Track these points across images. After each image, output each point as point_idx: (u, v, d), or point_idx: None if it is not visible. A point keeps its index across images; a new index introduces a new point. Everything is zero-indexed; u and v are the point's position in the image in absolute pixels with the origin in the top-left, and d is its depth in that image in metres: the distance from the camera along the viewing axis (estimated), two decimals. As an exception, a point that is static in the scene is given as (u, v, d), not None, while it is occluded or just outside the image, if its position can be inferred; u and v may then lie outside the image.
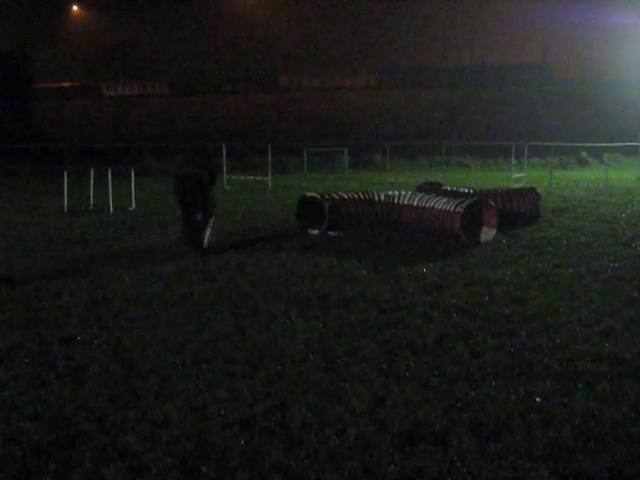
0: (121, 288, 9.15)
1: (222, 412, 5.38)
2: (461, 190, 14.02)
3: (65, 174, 17.07)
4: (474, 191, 13.87)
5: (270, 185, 21.82)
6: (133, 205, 17.09)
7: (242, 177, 23.58)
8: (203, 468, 4.60)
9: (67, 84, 64.43)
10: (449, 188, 14.37)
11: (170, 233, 13.14)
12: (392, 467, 4.57)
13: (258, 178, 23.02)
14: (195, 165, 12.15)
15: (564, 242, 11.92)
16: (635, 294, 8.55)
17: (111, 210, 16.41)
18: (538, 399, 5.50)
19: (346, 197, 13.68)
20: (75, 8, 71.98)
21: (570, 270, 9.89)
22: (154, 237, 12.91)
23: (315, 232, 12.72)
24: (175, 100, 59.23)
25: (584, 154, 32.81)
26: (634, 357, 6.36)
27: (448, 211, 12.35)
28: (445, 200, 12.70)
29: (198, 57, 65.33)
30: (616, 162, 30.84)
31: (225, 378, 6.05)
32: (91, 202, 17.24)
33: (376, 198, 13.75)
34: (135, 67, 62.82)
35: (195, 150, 25.82)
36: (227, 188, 21.75)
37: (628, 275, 9.53)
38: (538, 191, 14.76)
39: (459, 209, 12.13)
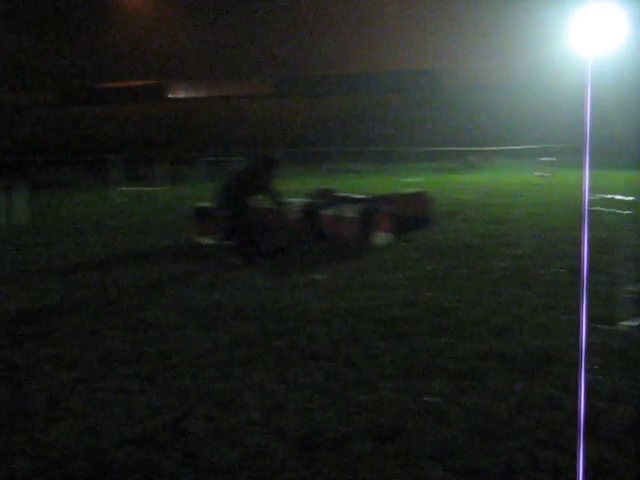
0: (7, 305, 8.83)
1: (116, 430, 5.25)
2: (354, 196, 14.17)
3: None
4: (367, 197, 14.05)
5: (163, 196, 21.53)
6: (23, 220, 16.56)
7: (135, 188, 23.20)
8: (97, 488, 4.47)
9: None
10: (343, 194, 14.50)
11: (60, 248, 12.79)
12: (290, 475, 4.56)
13: (151, 189, 22.70)
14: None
15: (455, 244, 12.24)
16: (522, 292, 8.85)
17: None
18: (431, 398, 5.60)
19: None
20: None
21: (460, 271, 10.15)
22: (43, 252, 12.52)
23: (210, 242, 12.60)
24: (64, 111, 57.74)
25: (473, 158, 33.82)
26: (521, 353, 6.56)
27: (342, 217, 12.47)
28: (339, 206, 12.81)
29: (89, 68, 64.01)
30: (504, 165, 31.89)
31: (119, 394, 5.90)
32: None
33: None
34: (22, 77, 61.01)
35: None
36: (119, 200, 21.35)
37: (515, 274, 9.86)
38: (429, 195, 15.09)
39: (353, 215, 12.26)
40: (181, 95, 60.65)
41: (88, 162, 30.78)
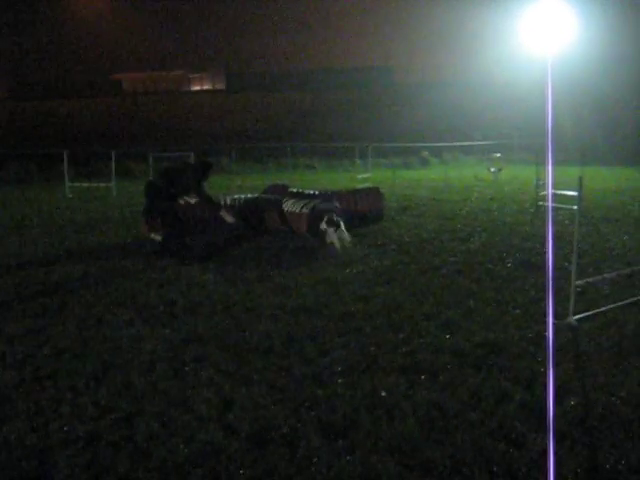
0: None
1: (65, 429, 5.17)
2: (307, 192, 14.16)
3: None
4: (320, 192, 14.04)
5: (115, 192, 21.28)
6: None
7: (85, 184, 22.88)
8: (44, 488, 4.40)
9: None
10: (295, 190, 14.47)
11: (6, 244, 12.57)
12: (242, 471, 4.54)
13: (102, 185, 22.41)
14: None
15: (407, 240, 12.31)
16: (473, 287, 8.94)
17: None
18: (383, 393, 5.63)
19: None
20: None
21: (413, 266, 10.22)
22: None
23: (159, 238, 12.45)
24: (14, 105, 56.68)
25: (425, 154, 34.10)
26: (472, 347, 6.63)
27: (295, 213, 12.44)
28: (291, 202, 12.77)
29: (37, 61, 62.89)
30: (455, 160, 32.19)
31: (68, 393, 5.81)
32: None
33: (222, 202, 13.62)
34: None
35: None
36: (70, 196, 21.05)
37: (466, 269, 9.96)
38: (381, 191, 15.14)
39: (305, 210, 12.24)
40: (133, 89, 59.94)
41: (39, 157, 30.28)
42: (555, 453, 4.58)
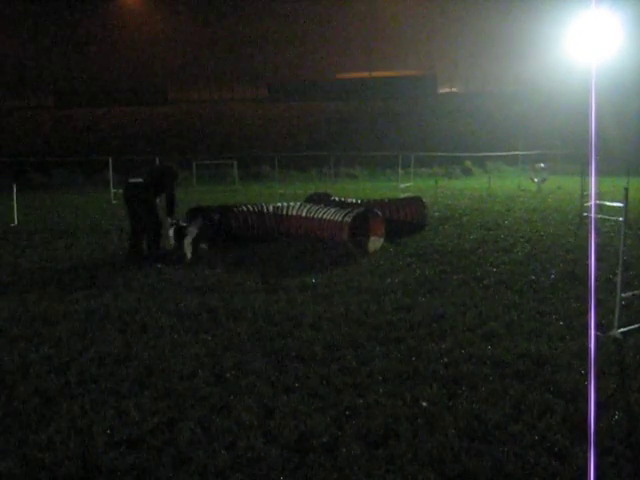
0: (0, 308, 8.80)
1: (108, 432, 5.24)
2: (349, 200, 14.19)
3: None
4: (361, 201, 14.06)
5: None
6: (15, 221, 16.52)
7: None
8: (88, 490, 4.47)
9: None
10: (337, 199, 14.51)
11: (52, 249, 12.78)
12: (281, 478, 4.56)
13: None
14: (147, 173, 12.42)
15: (449, 249, 12.24)
16: (515, 298, 8.86)
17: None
18: (424, 403, 5.61)
19: (235, 210, 13.61)
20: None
21: (455, 277, 10.16)
22: (36, 254, 12.49)
23: (203, 246, 12.55)
24: (59, 113, 57.56)
25: (468, 163, 33.89)
26: (514, 359, 6.57)
27: (336, 221, 12.47)
28: (333, 210, 12.81)
29: (85, 69, 63.88)
30: (498, 171, 31.95)
31: (111, 397, 5.90)
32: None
33: (265, 210, 13.72)
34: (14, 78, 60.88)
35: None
36: (114, 202, 21.33)
37: (509, 280, 9.86)
38: (424, 200, 15.10)
39: (347, 219, 12.27)
40: (178, 98, 60.61)
41: (84, 164, 30.76)
42: (598, 467, 4.53)
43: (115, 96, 59.18)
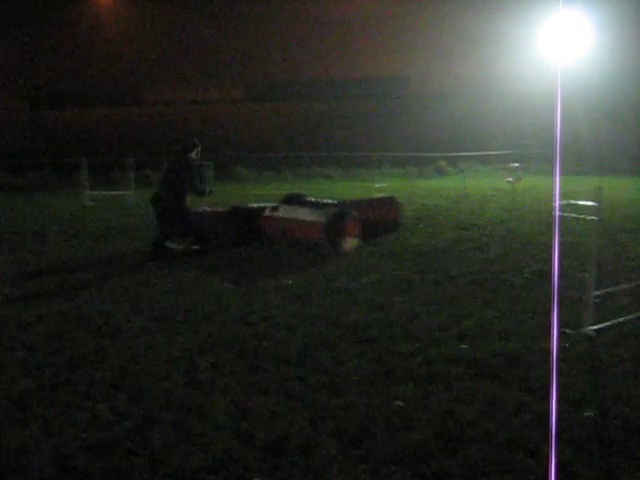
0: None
1: (82, 435, 5.20)
2: (324, 201, 14.18)
3: None
4: (337, 201, 14.06)
5: (134, 200, 21.39)
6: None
7: (105, 192, 23.00)
8: (61, 494, 4.43)
9: None
10: (312, 199, 14.50)
11: (24, 252, 12.67)
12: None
13: (120, 193, 22.53)
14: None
15: (423, 249, 12.29)
16: (489, 297, 8.92)
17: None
18: (399, 403, 5.62)
19: (210, 210, 13.57)
20: None
21: (429, 276, 10.20)
22: (7, 256, 12.38)
23: (178, 247, 12.52)
24: (32, 114, 57.04)
25: (442, 163, 34.02)
26: (488, 357, 6.61)
27: (311, 221, 12.46)
28: (308, 211, 12.80)
29: (58, 71, 63.23)
30: (473, 170, 32.10)
31: (85, 400, 5.85)
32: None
33: (239, 211, 13.68)
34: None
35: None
36: (88, 204, 21.18)
37: (483, 279, 9.92)
38: (398, 200, 15.13)
39: (322, 219, 12.27)
40: (151, 99, 60.27)
41: (57, 165, 30.49)
42: (571, 465, 4.57)
43: (89, 97, 58.72)
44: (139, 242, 13.64)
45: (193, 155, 12.33)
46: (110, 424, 5.37)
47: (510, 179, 24.79)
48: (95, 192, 22.74)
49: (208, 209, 13.62)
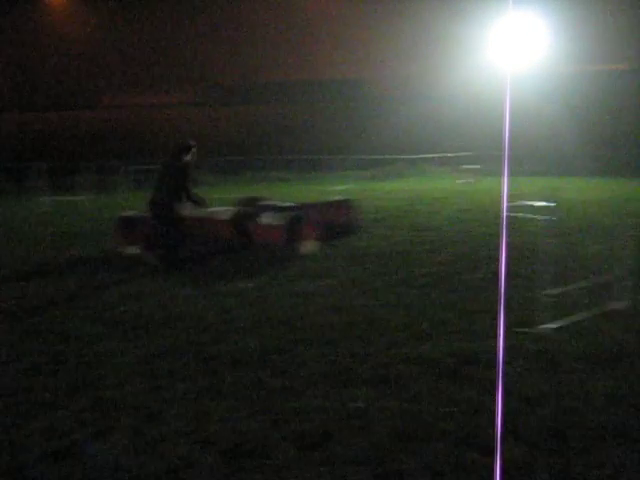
0: None
1: (38, 444, 5.14)
2: (281, 204, 14.18)
3: None
4: (294, 205, 14.08)
5: (89, 205, 21.18)
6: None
7: (62, 197, 22.73)
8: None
9: None
10: (269, 202, 14.48)
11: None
12: (216, 484, 4.55)
13: (78, 198, 22.29)
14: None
15: (381, 251, 12.37)
16: (445, 298, 9.00)
17: None
18: (358, 404, 5.65)
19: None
20: None
21: (387, 278, 10.27)
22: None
23: (135, 252, 12.41)
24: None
25: (400, 165, 34.27)
26: (446, 357, 6.68)
27: (269, 225, 12.47)
28: (265, 214, 12.79)
29: (13, 72, 62.23)
30: (430, 172, 32.39)
31: (40, 408, 5.78)
32: None
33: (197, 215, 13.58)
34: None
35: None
36: (45, 210, 20.91)
37: (440, 280, 10.02)
38: (355, 202, 15.20)
39: (280, 222, 12.28)
40: (103, 103, 59.69)
41: (13, 170, 30.05)
42: (524, 462, 4.64)
43: (45, 100, 57.95)
44: (94, 247, 13.51)
45: (188, 158, 11.38)
46: (66, 433, 5.31)
47: (465, 180, 25.07)
48: (52, 197, 22.46)
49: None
